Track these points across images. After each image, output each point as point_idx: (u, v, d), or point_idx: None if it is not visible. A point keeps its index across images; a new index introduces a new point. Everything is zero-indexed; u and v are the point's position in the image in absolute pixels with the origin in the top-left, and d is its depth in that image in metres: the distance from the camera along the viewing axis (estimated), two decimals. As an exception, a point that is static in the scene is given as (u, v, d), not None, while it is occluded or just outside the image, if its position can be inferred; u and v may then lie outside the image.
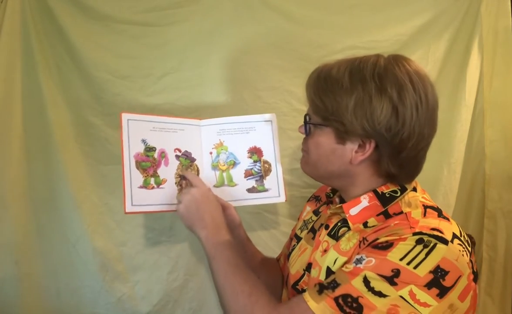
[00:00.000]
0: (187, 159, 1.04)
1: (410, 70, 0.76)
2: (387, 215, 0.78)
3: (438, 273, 0.67)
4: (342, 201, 0.88)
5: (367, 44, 1.34)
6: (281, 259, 1.12)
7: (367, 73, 0.76)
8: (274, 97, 1.36)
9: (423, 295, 0.66)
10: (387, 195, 0.80)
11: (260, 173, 1.06)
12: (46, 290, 1.36)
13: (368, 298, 0.66)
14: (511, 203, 1.38)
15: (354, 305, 0.67)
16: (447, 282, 0.67)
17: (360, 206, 0.81)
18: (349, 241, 0.79)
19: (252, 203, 1.05)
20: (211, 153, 1.06)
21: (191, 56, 1.34)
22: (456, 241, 0.71)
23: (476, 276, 0.73)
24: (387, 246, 0.70)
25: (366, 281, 0.68)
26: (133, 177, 0.96)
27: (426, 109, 0.75)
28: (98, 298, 1.38)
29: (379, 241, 0.72)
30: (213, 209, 0.91)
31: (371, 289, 0.67)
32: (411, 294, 0.66)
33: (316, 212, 0.99)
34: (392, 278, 0.67)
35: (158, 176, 0.99)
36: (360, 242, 0.76)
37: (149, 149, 1.00)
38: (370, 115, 0.75)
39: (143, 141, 0.99)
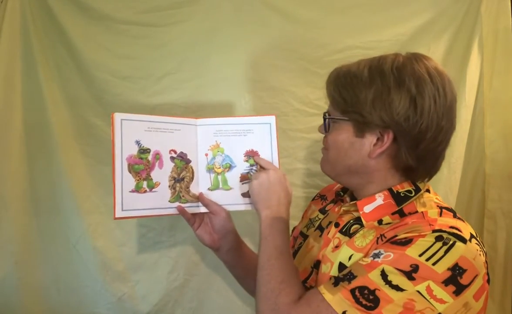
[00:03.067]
0: (182, 161, 1.00)
1: (428, 66, 0.78)
2: (402, 214, 0.79)
3: (456, 271, 0.67)
4: (354, 199, 0.88)
5: (367, 44, 1.34)
6: None
7: (386, 67, 0.78)
8: (274, 97, 1.36)
9: (440, 291, 0.66)
10: (402, 194, 0.81)
11: None
12: (46, 290, 1.36)
13: (385, 291, 0.66)
14: (511, 203, 1.38)
15: (371, 297, 0.67)
16: (464, 280, 0.67)
17: (375, 203, 0.82)
18: (364, 238, 0.79)
19: (247, 208, 1.02)
20: (206, 155, 1.03)
21: (192, 57, 1.34)
22: (473, 240, 0.72)
23: (489, 278, 0.73)
24: (406, 241, 0.70)
25: (383, 275, 0.68)
26: (124, 181, 0.93)
27: (444, 102, 0.78)
28: (98, 298, 1.38)
29: (398, 237, 0.72)
30: (283, 194, 0.91)
31: (388, 283, 0.67)
32: (428, 289, 0.66)
33: (322, 211, 0.99)
34: (411, 273, 0.67)
35: (151, 179, 0.96)
36: (378, 238, 0.76)
37: (143, 151, 0.96)
38: (389, 106, 0.77)
39: (137, 142, 0.95)
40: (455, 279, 0.67)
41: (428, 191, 0.84)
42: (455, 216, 0.76)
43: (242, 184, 1.02)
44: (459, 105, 1.37)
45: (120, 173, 0.92)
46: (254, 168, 1.02)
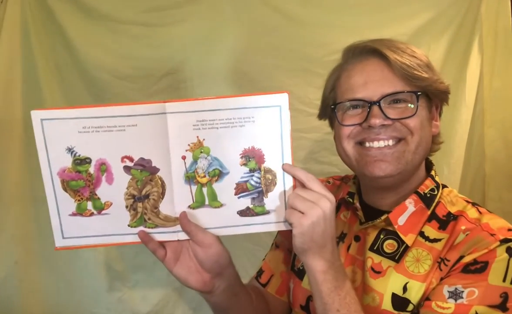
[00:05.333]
0: (144, 171, 0.70)
1: None
2: (439, 220, 0.73)
3: None
4: (363, 204, 0.81)
5: (367, 44, 1.34)
6: (273, 280, 0.92)
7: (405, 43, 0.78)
8: (274, 97, 1.36)
9: None
10: (428, 195, 0.75)
11: (259, 188, 0.72)
12: (46, 290, 1.36)
13: None
14: (511, 203, 1.38)
15: None
16: None
17: (407, 212, 0.73)
18: (419, 262, 0.70)
19: (246, 231, 0.73)
20: (184, 158, 0.70)
21: (191, 57, 1.34)
22: None
23: None
24: (481, 268, 0.64)
25: None
26: (60, 202, 0.71)
27: None
28: (98, 298, 1.38)
29: (466, 260, 0.65)
30: (334, 234, 0.67)
31: None
32: None
33: None
34: (504, 304, 0.62)
35: (98, 198, 0.71)
36: (439, 263, 0.68)
37: (80, 161, 0.69)
38: (438, 75, 0.76)
39: (70, 150, 0.69)
40: None
41: (444, 186, 0.79)
42: (488, 211, 0.73)
43: (239, 198, 0.72)
44: (459, 105, 1.37)
45: (52, 193, 0.71)
46: (256, 174, 0.71)
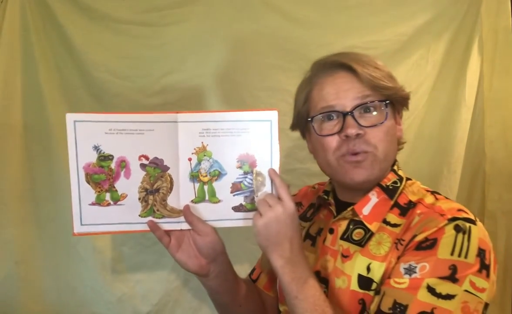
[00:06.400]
0: (157, 168, 0.83)
1: None
2: (400, 207, 0.79)
3: (481, 254, 0.68)
4: (337, 201, 0.88)
5: (367, 44, 1.34)
6: (262, 277, 1.02)
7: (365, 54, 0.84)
8: (274, 97, 1.36)
9: (479, 281, 0.67)
10: (391, 187, 0.82)
11: (250, 188, 0.84)
12: (46, 290, 1.36)
13: (442, 306, 0.65)
14: (511, 203, 1.38)
15: None
16: (487, 260, 0.69)
17: (371, 203, 0.81)
18: (379, 244, 0.77)
19: (238, 224, 0.85)
20: (190, 159, 0.84)
21: (191, 56, 1.34)
22: (477, 218, 0.73)
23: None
24: (431, 244, 0.69)
25: (431, 289, 0.66)
26: (82, 192, 0.81)
27: None
28: (98, 298, 1.38)
29: (418, 239, 0.71)
30: (296, 235, 0.76)
31: (439, 296, 0.66)
32: (472, 283, 0.67)
33: (303, 218, 0.96)
34: (453, 275, 0.67)
35: (116, 191, 0.82)
36: (396, 244, 0.75)
37: (104, 158, 0.81)
38: (397, 81, 0.83)
39: (96, 148, 0.81)
40: (484, 263, 0.68)
41: (408, 178, 0.85)
42: (446, 197, 0.79)
43: (234, 195, 0.85)
44: (459, 105, 1.37)
45: (76, 184, 0.81)
46: (248, 176, 0.84)
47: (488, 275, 0.68)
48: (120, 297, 1.38)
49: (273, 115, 0.84)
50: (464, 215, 0.72)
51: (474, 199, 1.44)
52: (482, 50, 1.36)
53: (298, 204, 1.00)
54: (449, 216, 0.71)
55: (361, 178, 0.79)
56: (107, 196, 0.82)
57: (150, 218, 0.83)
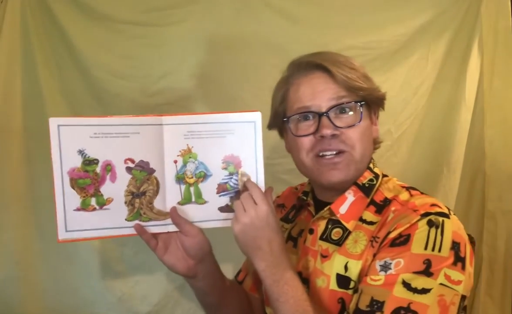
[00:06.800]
0: (143, 171, 0.82)
1: None
2: (376, 205, 0.80)
3: (455, 247, 0.69)
4: (317, 201, 0.88)
5: (367, 44, 1.34)
6: (247, 279, 1.03)
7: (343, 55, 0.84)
8: (274, 97, 1.36)
9: (454, 273, 0.68)
10: (367, 185, 0.82)
11: (236, 188, 0.85)
12: (46, 290, 1.36)
13: (418, 300, 0.66)
14: (511, 203, 1.38)
15: None
16: (462, 253, 0.69)
17: (347, 202, 0.81)
18: (356, 242, 0.77)
19: (224, 225, 0.84)
20: (175, 162, 0.84)
21: (191, 56, 1.34)
22: (450, 211, 0.74)
23: (472, 238, 0.77)
24: (405, 240, 0.70)
25: (406, 285, 0.67)
26: (67, 198, 0.79)
27: None
28: (98, 298, 1.38)
29: (392, 236, 0.72)
30: (273, 235, 0.76)
31: (415, 290, 0.66)
32: (447, 277, 0.67)
33: (286, 219, 0.96)
34: (427, 270, 0.67)
35: (101, 195, 0.81)
36: (371, 241, 0.75)
37: (89, 162, 0.80)
38: (373, 82, 0.83)
39: (81, 152, 0.79)
40: (458, 255, 0.69)
41: (384, 175, 0.86)
42: (422, 192, 0.79)
43: (220, 196, 0.85)
44: (459, 105, 1.37)
45: (60, 189, 0.79)
46: (234, 177, 0.85)
47: (463, 268, 0.69)
48: (120, 297, 1.38)
49: (256, 116, 0.84)
50: (437, 209, 0.72)
51: (474, 199, 1.44)
52: (482, 50, 1.36)
53: (281, 206, 1.01)
54: (422, 211, 0.72)
55: (337, 179, 0.80)
56: (93, 201, 0.80)
57: (136, 222, 0.82)
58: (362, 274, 0.74)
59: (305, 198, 0.91)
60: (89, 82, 1.33)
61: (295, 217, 0.95)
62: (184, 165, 0.84)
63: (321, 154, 0.80)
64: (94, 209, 0.81)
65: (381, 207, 0.79)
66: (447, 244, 0.69)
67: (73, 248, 1.35)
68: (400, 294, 0.67)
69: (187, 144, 0.84)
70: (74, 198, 0.80)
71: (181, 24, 1.34)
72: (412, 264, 0.68)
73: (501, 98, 1.37)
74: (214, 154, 0.84)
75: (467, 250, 0.71)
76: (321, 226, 0.84)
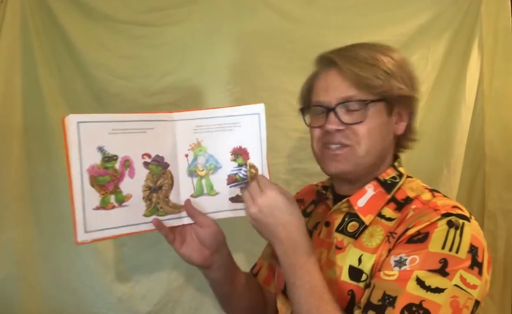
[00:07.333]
0: (159, 166, 0.84)
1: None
2: (397, 202, 0.80)
3: (473, 251, 0.68)
4: (336, 196, 0.89)
5: (367, 44, 1.34)
6: (262, 272, 1.05)
7: (385, 50, 0.84)
8: (274, 97, 1.36)
9: (471, 277, 0.67)
10: (389, 182, 0.83)
11: (246, 179, 0.87)
12: (46, 290, 1.36)
13: (430, 299, 0.65)
14: (511, 203, 1.38)
15: (421, 311, 0.65)
16: (479, 258, 0.69)
17: (367, 196, 0.82)
18: (372, 237, 0.77)
19: (236, 215, 0.87)
20: (186, 156, 0.86)
21: (191, 56, 1.34)
22: (472, 216, 0.74)
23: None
24: (423, 237, 0.70)
25: (420, 282, 0.66)
26: (86, 197, 0.77)
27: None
28: (98, 298, 1.38)
29: (410, 233, 0.71)
30: (288, 219, 0.77)
31: (428, 288, 0.66)
32: (462, 279, 0.67)
33: (304, 214, 0.94)
34: (443, 269, 0.67)
35: (120, 192, 0.80)
36: (388, 237, 0.75)
37: (109, 159, 0.79)
38: (409, 80, 0.82)
39: (100, 149, 0.79)
40: (475, 260, 0.68)
41: (409, 176, 0.86)
42: (444, 195, 0.79)
43: (230, 187, 0.88)
44: (459, 105, 1.37)
45: (79, 188, 0.76)
46: (243, 168, 0.87)
47: (480, 273, 0.68)
48: (120, 297, 1.38)
49: (260, 108, 0.87)
50: (459, 211, 0.72)
51: (474, 199, 1.44)
52: (482, 50, 1.36)
53: (299, 201, 1.01)
54: (443, 211, 0.72)
55: (336, 170, 0.82)
56: (112, 198, 0.80)
57: (154, 217, 0.83)
58: (375, 269, 0.74)
59: (324, 192, 0.93)
60: (89, 82, 1.33)
61: (312, 211, 0.96)
62: (195, 158, 0.87)
63: (327, 146, 0.83)
64: (113, 207, 0.80)
65: (401, 204, 0.79)
66: (465, 246, 0.68)
67: (73, 248, 1.35)
68: (413, 290, 0.66)
69: (197, 139, 0.87)
70: (94, 197, 0.78)
71: (181, 24, 1.34)
72: (427, 261, 0.68)
73: (501, 98, 1.37)
74: (222, 147, 0.87)
75: (485, 256, 0.70)
76: (338, 219, 0.84)
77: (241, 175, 0.88)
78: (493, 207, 1.40)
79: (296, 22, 1.35)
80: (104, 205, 0.79)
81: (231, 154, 0.87)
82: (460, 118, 1.38)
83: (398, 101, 0.82)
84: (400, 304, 0.66)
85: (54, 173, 1.33)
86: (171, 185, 0.85)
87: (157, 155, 0.84)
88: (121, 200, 0.81)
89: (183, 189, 0.86)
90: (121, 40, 1.33)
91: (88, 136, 0.78)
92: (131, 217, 0.82)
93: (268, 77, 1.36)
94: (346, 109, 0.80)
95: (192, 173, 0.87)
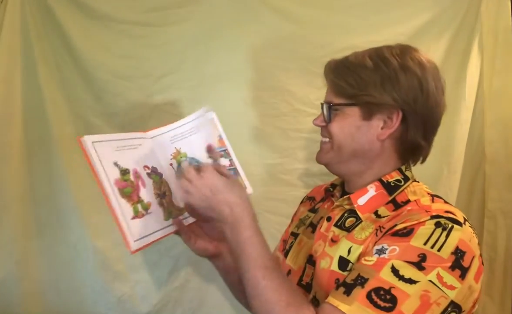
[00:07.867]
0: (157, 175, 0.90)
1: (421, 54, 0.85)
2: (396, 204, 0.81)
3: (458, 254, 0.69)
4: (344, 194, 0.90)
5: (367, 44, 1.31)
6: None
7: (387, 54, 0.83)
8: (274, 97, 1.36)
9: (449, 277, 0.67)
10: (392, 184, 0.83)
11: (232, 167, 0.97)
12: (46, 290, 1.36)
13: (400, 287, 0.66)
14: (511, 203, 1.38)
15: (388, 297, 0.66)
16: (465, 263, 0.69)
17: (368, 195, 0.83)
18: (363, 230, 0.79)
19: None
20: (171, 165, 0.93)
21: (191, 56, 1.34)
22: (467, 223, 0.74)
23: (482, 261, 0.75)
24: (408, 232, 0.71)
25: (394, 270, 0.67)
26: (123, 208, 0.81)
27: (439, 85, 0.85)
28: (98, 298, 1.38)
29: (397, 228, 0.73)
30: (234, 199, 0.78)
31: (401, 278, 0.67)
32: (439, 277, 0.67)
33: (312, 210, 0.99)
34: (420, 263, 0.67)
35: (143, 200, 0.85)
36: (377, 230, 0.77)
37: (124, 172, 0.84)
38: (399, 87, 0.80)
39: (116, 164, 0.83)
40: (459, 263, 0.68)
41: (415, 180, 0.87)
42: (445, 202, 0.79)
43: None
44: (459, 105, 1.37)
45: (116, 201, 0.80)
46: (219, 162, 0.95)
47: (462, 277, 0.68)
48: (120, 297, 1.38)
49: (205, 111, 0.95)
50: (450, 216, 0.73)
51: (474, 199, 1.44)
52: (482, 50, 1.36)
53: (310, 198, 1.05)
54: (433, 213, 0.73)
55: (318, 160, 0.89)
56: (139, 207, 0.83)
57: (171, 219, 0.89)
58: (360, 259, 0.75)
59: (331, 189, 0.95)
60: (89, 82, 1.33)
61: (320, 207, 0.98)
62: (179, 165, 0.93)
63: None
64: (143, 215, 0.84)
65: (399, 206, 0.80)
66: (449, 247, 0.68)
67: (73, 248, 1.35)
68: (385, 276, 0.67)
69: (175, 147, 0.94)
70: (127, 207, 0.82)
71: (181, 24, 1.34)
72: (406, 253, 0.68)
73: (501, 98, 1.37)
74: (198, 148, 0.95)
75: (473, 263, 0.70)
76: (338, 214, 0.86)
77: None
78: (493, 207, 1.40)
79: (296, 23, 1.35)
80: (136, 214, 0.83)
81: (206, 152, 0.95)
82: (460, 118, 1.38)
83: (380, 108, 0.82)
84: (369, 285, 0.67)
85: (54, 172, 1.33)
86: (170, 191, 0.91)
87: (153, 167, 0.90)
88: (146, 208, 0.85)
89: (178, 193, 0.90)
90: (121, 40, 1.33)
91: (104, 154, 0.82)
92: (157, 222, 0.86)
93: (268, 77, 1.36)
94: (329, 109, 0.86)
95: (180, 178, 0.90)
